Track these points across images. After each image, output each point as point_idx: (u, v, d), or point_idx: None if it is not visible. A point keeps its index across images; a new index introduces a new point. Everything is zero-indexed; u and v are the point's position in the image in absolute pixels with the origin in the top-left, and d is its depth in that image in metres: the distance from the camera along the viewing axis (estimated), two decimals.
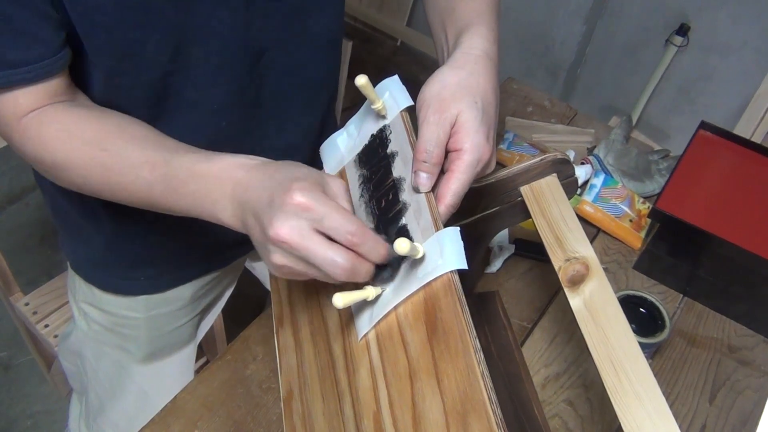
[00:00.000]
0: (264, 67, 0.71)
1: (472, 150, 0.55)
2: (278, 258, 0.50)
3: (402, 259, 0.54)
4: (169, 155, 0.58)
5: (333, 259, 0.48)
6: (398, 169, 0.59)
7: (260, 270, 1.10)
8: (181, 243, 0.85)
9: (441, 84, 0.58)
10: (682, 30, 1.86)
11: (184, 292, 0.92)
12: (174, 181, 0.57)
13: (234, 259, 0.96)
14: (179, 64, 0.65)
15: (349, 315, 0.59)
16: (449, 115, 0.56)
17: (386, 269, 0.54)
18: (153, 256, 0.86)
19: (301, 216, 0.49)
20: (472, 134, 0.55)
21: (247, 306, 1.23)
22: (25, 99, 0.60)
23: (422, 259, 0.53)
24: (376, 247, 0.51)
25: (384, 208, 0.59)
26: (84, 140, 0.60)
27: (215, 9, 0.63)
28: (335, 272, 0.49)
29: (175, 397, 0.78)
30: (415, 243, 0.50)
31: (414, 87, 0.59)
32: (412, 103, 0.61)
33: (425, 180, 0.55)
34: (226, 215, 0.55)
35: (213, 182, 0.55)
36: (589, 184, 1.02)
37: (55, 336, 1.21)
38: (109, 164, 0.59)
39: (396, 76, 0.63)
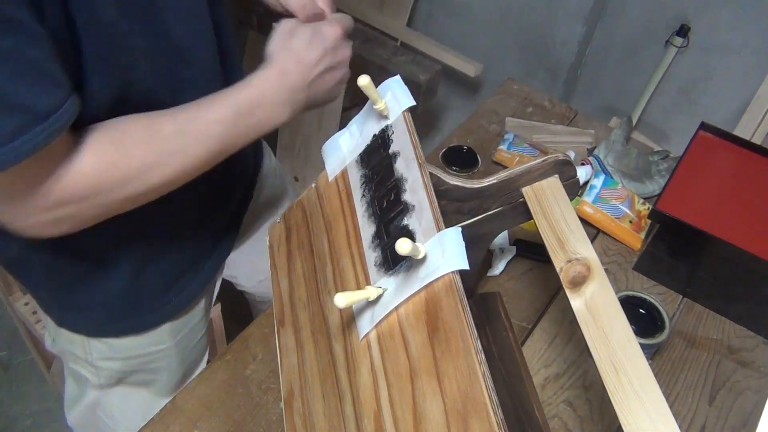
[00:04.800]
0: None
1: None
2: (343, 51, 0.70)
3: (404, 258, 0.54)
4: (226, 101, 0.64)
5: (329, 28, 0.68)
6: (400, 170, 0.60)
7: (244, 283, 1.10)
8: (192, 235, 0.84)
9: None
10: (683, 31, 1.86)
11: (201, 302, 0.91)
12: (243, 120, 0.64)
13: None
14: (174, 84, 0.67)
15: (350, 315, 0.59)
16: None
17: None
18: (181, 267, 0.84)
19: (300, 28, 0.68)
20: None
21: (247, 306, 1.23)
22: (61, 143, 0.54)
23: (423, 259, 0.53)
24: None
25: (386, 208, 0.59)
26: (160, 136, 0.60)
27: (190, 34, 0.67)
28: (335, 32, 0.68)
29: (175, 397, 0.78)
30: (416, 243, 0.50)
31: (414, 87, 0.59)
32: (415, 103, 0.61)
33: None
34: (288, 111, 0.67)
35: (268, 100, 0.66)
36: (588, 185, 1.02)
37: None
38: (182, 144, 0.61)
39: (398, 76, 0.63)
